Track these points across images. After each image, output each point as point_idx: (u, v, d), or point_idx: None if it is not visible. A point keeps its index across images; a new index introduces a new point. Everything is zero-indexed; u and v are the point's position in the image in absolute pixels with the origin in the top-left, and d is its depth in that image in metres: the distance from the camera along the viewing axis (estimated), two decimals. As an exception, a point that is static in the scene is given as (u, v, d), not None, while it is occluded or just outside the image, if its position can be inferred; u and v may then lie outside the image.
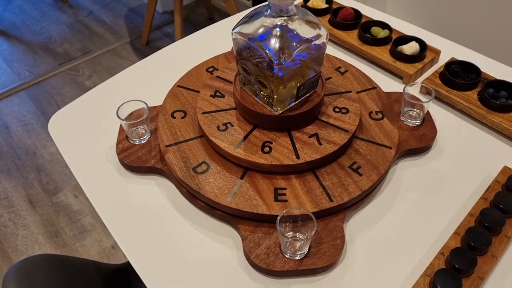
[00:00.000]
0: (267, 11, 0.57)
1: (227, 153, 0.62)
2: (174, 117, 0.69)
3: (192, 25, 2.34)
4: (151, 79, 0.84)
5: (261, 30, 0.58)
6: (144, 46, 2.20)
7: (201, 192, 0.59)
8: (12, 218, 1.49)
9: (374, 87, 0.75)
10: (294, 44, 0.57)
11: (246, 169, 0.62)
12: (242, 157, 0.61)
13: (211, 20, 2.37)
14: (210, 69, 0.78)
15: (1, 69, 2.09)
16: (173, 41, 2.19)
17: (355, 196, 0.59)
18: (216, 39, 0.93)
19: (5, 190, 1.57)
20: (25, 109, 1.88)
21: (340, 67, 0.78)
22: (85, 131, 0.74)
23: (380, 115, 0.70)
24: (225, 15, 2.39)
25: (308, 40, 0.58)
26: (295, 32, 0.58)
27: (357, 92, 0.73)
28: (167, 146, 0.65)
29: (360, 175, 0.61)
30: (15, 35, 2.30)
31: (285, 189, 0.60)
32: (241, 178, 0.61)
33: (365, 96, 0.73)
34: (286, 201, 0.58)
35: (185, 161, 0.63)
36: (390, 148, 0.65)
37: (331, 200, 0.58)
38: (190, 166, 0.62)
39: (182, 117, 0.69)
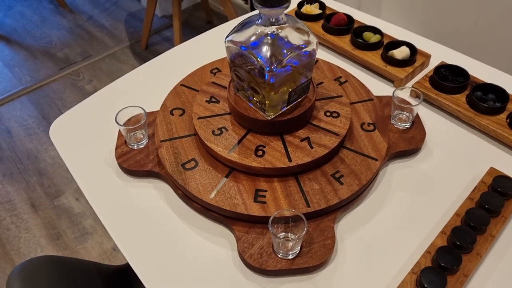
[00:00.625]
0: (258, 20, 0.60)
1: (221, 156, 0.64)
2: (172, 114, 0.73)
3: (190, 28, 2.36)
4: (150, 84, 0.86)
5: (253, 38, 0.60)
6: (144, 50, 2.23)
7: (186, 187, 0.62)
8: (15, 221, 1.51)
9: (371, 99, 0.76)
10: (285, 51, 0.60)
11: (231, 169, 0.65)
12: (236, 161, 0.63)
13: (210, 24, 2.39)
14: (215, 71, 0.82)
15: (2, 74, 2.11)
16: (172, 45, 2.22)
17: (332, 204, 0.61)
18: (214, 44, 0.95)
19: (8, 194, 1.60)
20: (26, 114, 1.90)
21: (340, 77, 0.80)
22: (85, 136, 0.76)
23: (372, 127, 0.71)
24: (223, 18, 2.42)
25: (299, 47, 0.61)
26: (286, 40, 0.60)
27: (353, 103, 0.75)
28: (161, 141, 0.68)
29: (341, 184, 0.63)
30: (16, 40, 2.33)
31: (265, 191, 0.62)
32: (226, 177, 0.64)
33: (361, 107, 0.74)
34: (264, 202, 0.61)
35: (176, 157, 0.66)
36: (376, 160, 0.66)
37: (308, 206, 0.60)
38: (179, 161, 0.66)
39: (180, 115, 0.73)
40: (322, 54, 0.92)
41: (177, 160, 0.66)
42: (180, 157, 0.66)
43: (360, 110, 0.74)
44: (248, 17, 0.63)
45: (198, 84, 0.79)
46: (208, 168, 0.65)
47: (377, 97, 0.78)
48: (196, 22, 2.42)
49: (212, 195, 0.61)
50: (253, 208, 0.60)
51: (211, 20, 2.40)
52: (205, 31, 1.01)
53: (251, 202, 0.61)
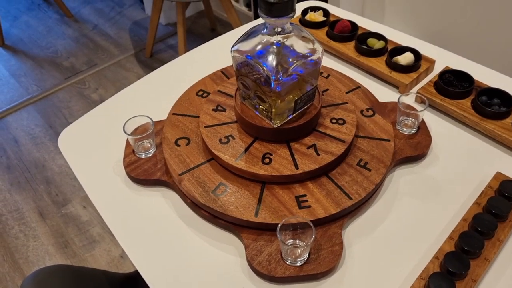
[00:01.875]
0: (264, 30, 0.60)
1: (229, 165, 0.64)
2: (178, 145, 0.70)
3: (195, 36, 2.38)
4: (156, 93, 0.87)
5: (258, 48, 0.61)
6: (148, 58, 2.25)
7: (227, 213, 0.61)
8: (23, 229, 1.52)
9: (358, 86, 0.80)
10: (291, 60, 0.60)
11: (263, 183, 0.65)
12: (243, 169, 0.63)
13: (214, 31, 2.41)
14: (200, 93, 0.80)
15: (9, 84, 2.14)
16: (177, 52, 2.23)
17: (370, 191, 0.63)
18: (219, 53, 0.96)
19: (16, 203, 1.61)
20: (33, 123, 1.92)
21: (322, 72, 0.81)
22: (94, 145, 0.77)
23: (371, 112, 0.74)
24: (227, 25, 2.43)
25: (304, 56, 0.61)
26: (291, 49, 0.61)
27: (346, 93, 0.77)
28: (180, 174, 0.66)
29: (369, 170, 0.65)
30: (22, 50, 2.35)
31: (305, 195, 0.63)
32: (261, 192, 0.64)
33: (353, 96, 0.77)
34: (309, 206, 0.62)
35: (202, 186, 0.64)
36: (389, 140, 0.69)
37: (350, 198, 0.62)
38: (208, 190, 0.64)
39: (187, 144, 0.71)
40: (327, 61, 0.93)
41: (205, 189, 0.64)
42: (207, 185, 0.64)
43: (353, 99, 0.76)
44: (254, 27, 0.63)
45: (189, 109, 0.77)
46: (239, 189, 0.64)
47: (382, 103, 0.78)
48: (200, 30, 2.44)
49: (256, 214, 0.61)
50: (302, 215, 0.60)
51: (215, 27, 2.42)
52: (209, 38, 1.02)
53: (297, 210, 0.61)
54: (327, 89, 0.76)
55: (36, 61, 2.28)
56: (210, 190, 0.64)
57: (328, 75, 0.81)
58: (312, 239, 0.55)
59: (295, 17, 1.01)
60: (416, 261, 0.59)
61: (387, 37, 0.92)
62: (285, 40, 0.60)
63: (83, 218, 1.54)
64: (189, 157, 0.69)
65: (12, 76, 2.18)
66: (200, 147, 0.70)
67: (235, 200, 0.63)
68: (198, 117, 0.74)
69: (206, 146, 0.68)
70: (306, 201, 0.62)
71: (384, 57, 0.88)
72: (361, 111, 0.74)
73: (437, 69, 0.88)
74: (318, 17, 0.99)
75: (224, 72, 0.85)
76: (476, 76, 0.81)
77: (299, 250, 0.58)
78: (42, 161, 1.75)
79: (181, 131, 0.73)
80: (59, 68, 2.22)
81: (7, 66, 2.24)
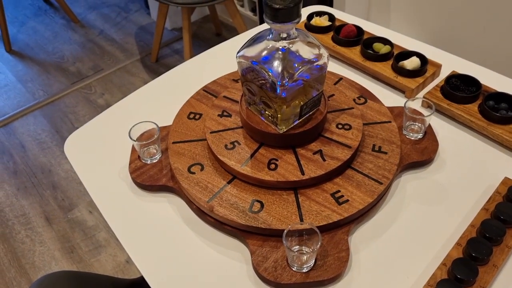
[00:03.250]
0: (269, 35, 0.60)
1: (235, 171, 0.64)
2: (193, 173, 0.67)
3: (200, 40, 2.39)
4: (162, 99, 0.87)
5: (264, 53, 0.61)
6: (154, 63, 2.25)
7: (272, 227, 0.60)
8: (29, 234, 1.53)
9: (340, 78, 0.82)
10: (296, 65, 0.60)
11: (294, 189, 0.64)
12: (249, 175, 0.63)
13: (219, 36, 2.41)
14: (191, 115, 0.77)
15: (16, 89, 2.15)
16: (182, 57, 2.24)
17: (395, 171, 0.66)
18: (224, 58, 0.96)
19: (22, 208, 1.61)
20: (40, 128, 1.93)
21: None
22: (99, 151, 0.77)
23: (363, 100, 0.77)
24: (232, 30, 2.44)
25: (310, 61, 0.61)
26: (297, 54, 0.61)
27: (333, 84, 0.79)
28: (208, 201, 0.63)
29: (385, 153, 0.68)
30: (29, 55, 2.37)
31: (339, 191, 0.63)
32: (296, 199, 0.63)
33: (339, 87, 0.79)
34: (347, 201, 0.62)
35: (236, 207, 0.62)
36: (390, 122, 0.72)
37: (380, 183, 0.64)
38: (244, 209, 0.62)
39: (201, 170, 0.67)
40: (332, 66, 0.93)
41: (240, 209, 0.62)
42: (241, 206, 0.63)
43: (341, 89, 0.78)
44: (259, 32, 0.63)
45: (187, 134, 0.73)
46: (274, 201, 0.63)
47: (388, 108, 0.78)
48: (205, 34, 2.44)
49: (302, 221, 0.60)
50: (342, 210, 0.61)
51: (220, 32, 2.42)
52: (214, 43, 1.02)
53: (337, 207, 0.62)
54: (333, 94, 0.76)
55: (42, 66, 2.29)
56: (246, 209, 0.62)
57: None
58: (318, 245, 0.55)
59: (300, 22, 1.01)
60: (423, 267, 0.58)
61: (393, 41, 0.91)
62: (290, 45, 0.60)
63: (89, 223, 1.55)
64: (210, 182, 0.66)
65: (19, 82, 2.19)
66: (216, 170, 0.67)
67: (275, 213, 0.61)
68: (200, 140, 0.72)
69: (212, 152, 0.68)
70: (342, 196, 0.63)
71: (390, 62, 0.88)
72: (354, 100, 0.77)
73: (444, 73, 0.88)
74: (323, 21, 0.99)
75: (206, 90, 0.82)
76: (483, 81, 0.81)
77: (305, 257, 0.58)
78: (49, 166, 1.76)
79: (190, 158, 0.69)
80: (65, 73, 2.24)
81: (14, 72, 2.26)
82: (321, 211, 0.61)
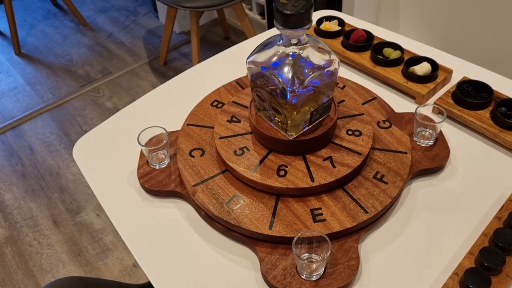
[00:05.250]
0: (279, 41, 0.60)
1: (244, 177, 0.64)
2: (193, 156, 0.70)
3: (208, 44, 2.39)
4: (170, 103, 0.87)
5: (274, 59, 0.60)
6: (162, 67, 2.26)
7: (241, 225, 0.60)
8: (37, 237, 1.53)
9: (375, 97, 0.78)
10: (307, 71, 0.60)
11: (277, 195, 0.64)
12: (258, 181, 0.63)
13: (227, 39, 2.41)
14: (215, 103, 0.80)
15: (25, 92, 2.16)
16: (190, 60, 2.24)
17: (387, 204, 0.62)
18: (232, 63, 0.96)
19: (30, 210, 1.62)
20: (48, 131, 1.94)
21: (337, 83, 0.80)
22: (108, 156, 0.77)
23: (388, 124, 0.73)
24: (240, 34, 2.44)
25: (321, 67, 0.61)
26: (307, 60, 0.60)
27: (362, 104, 0.76)
28: (194, 186, 0.66)
29: (386, 183, 0.64)
30: (38, 58, 2.38)
31: (320, 209, 0.62)
32: (275, 205, 0.63)
33: (369, 107, 0.76)
34: (324, 220, 0.61)
35: (216, 198, 0.64)
36: (406, 153, 0.68)
37: (366, 212, 0.61)
38: (223, 202, 0.63)
39: (201, 155, 0.70)
40: (342, 71, 0.92)
41: (219, 201, 0.64)
42: (221, 197, 0.64)
43: (370, 110, 0.75)
44: (269, 38, 0.63)
45: (204, 120, 0.76)
46: (254, 201, 0.63)
47: (399, 114, 0.77)
48: (214, 38, 2.45)
49: (270, 227, 0.60)
50: (316, 229, 0.59)
51: (229, 35, 2.42)
52: (222, 46, 1.02)
53: (312, 224, 0.60)
54: (343, 100, 0.75)
55: (51, 69, 2.30)
56: (224, 202, 0.63)
57: (344, 86, 0.80)
58: (328, 253, 0.54)
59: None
60: (435, 276, 0.58)
61: (403, 46, 0.90)
62: (301, 51, 0.60)
63: (96, 226, 1.55)
64: (203, 168, 0.68)
65: (28, 84, 2.20)
66: (214, 158, 0.69)
67: (249, 212, 0.62)
68: (212, 127, 0.74)
69: (220, 158, 0.68)
70: (321, 214, 0.61)
71: (401, 67, 0.87)
72: (378, 123, 0.73)
73: (455, 79, 0.87)
74: (333, 26, 0.98)
75: (239, 83, 0.84)
76: (495, 87, 0.80)
77: (314, 265, 0.57)
78: (57, 169, 1.76)
79: (196, 142, 0.72)
80: (74, 76, 2.25)
81: (23, 74, 2.27)
82: (294, 223, 0.60)
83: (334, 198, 0.63)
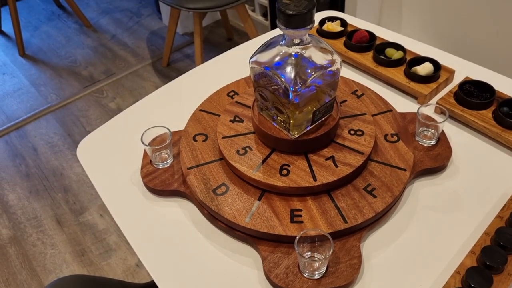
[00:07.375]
0: (282, 41, 0.60)
1: (246, 176, 0.64)
2: (196, 140, 0.72)
3: (211, 45, 2.39)
4: (174, 103, 0.87)
5: (277, 59, 0.61)
6: (165, 68, 2.26)
7: (220, 213, 0.62)
8: (41, 237, 1.54)
9: (390, 109, 0.76)
10: (309, 71, 0.60)
11: (263, 191, 0.65)
12: (261, 180, 0.63)
13: (230, 40, 2.42)
14: (231, 93, 0.81)
15: (29, 93, 2.17)
16: (193, 61, 2.25)
17: (369, 218, 0.61)
18: (235, 64, 0.96)
19: (34, 210, 1.63)
20: (52, 131, 1.94)
21: (356, 90, 0.80)
22: (111, 156, 0.78)
23: (395, 138, 0.71)
24: (243, 35, 2.44)
25: (323, 67, 0.61)
26: (310, 60, 0.61)
27: (373, 115, 0.75)
28: (188, 168, 0.68)
29: (375, 197, 0.63)
30: (42, 59, 2.39)
31: (301, 210, 0.62)
32: (259, 199, 0.64)
33: (381, 119, 0.75)
34: (301, 222, 0.61)
35: (205, 183, 0.66)
36: (405, 170, 0.66)
37: (345, 222, 0.60)
38: (210, 187, 0.65)
39: (204, 140, 0.72)
40: (344, 71, 0.92)
41: (207, 186, 0.65)
42: (210, 183, 0.66)
43: (381, 122, 0.74)
44: (272, 38, 0.63)
45: (216, 108, 0.79)
46: (239, 192, 0.65)
47: (401, 113, 0.77)
48: (217, 39, 2.45)
49: (248, 219, 0.61)
50: (291, 229, 0.60)
51: (232, 36, 2.43)
52: (225, 47, 1.03)
53: (288, 223, 0.60)
54: (345, 100, 0.75)
55: (55, 70, 2.31)
56: (212, 188, 0.65)
57: (362, 94, 0.79)
58: (330, 252, 0.54)
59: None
60: (437, 275, 0.58)
61: (406, 47, 0.91)
62: (303, 51, 0.60)
63: (100, 226, 1.55)
64: (202, 153, 0.70)
65: (32, 85, 2.22)
66: (215, 146, 0.71)
67: (232, 202, 0.63)
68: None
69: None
70: (300, 216, 0.61)
71: (403, 67, 0.88)
72: (385, 136, 0.71)
73: (457, 79, 0.87)
74: (336, 27, 0.98)
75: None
76: (497, 87, 0.80)
77: (317, 263, 0.57)
78: (60, 169, 1.77)
79: (202, 127, 0.75)
80: (77, 77, 2.26)
81: (27, 76, 2.28)
82: (270, 220, 0.61)
83: (317, 202, 0.63)
